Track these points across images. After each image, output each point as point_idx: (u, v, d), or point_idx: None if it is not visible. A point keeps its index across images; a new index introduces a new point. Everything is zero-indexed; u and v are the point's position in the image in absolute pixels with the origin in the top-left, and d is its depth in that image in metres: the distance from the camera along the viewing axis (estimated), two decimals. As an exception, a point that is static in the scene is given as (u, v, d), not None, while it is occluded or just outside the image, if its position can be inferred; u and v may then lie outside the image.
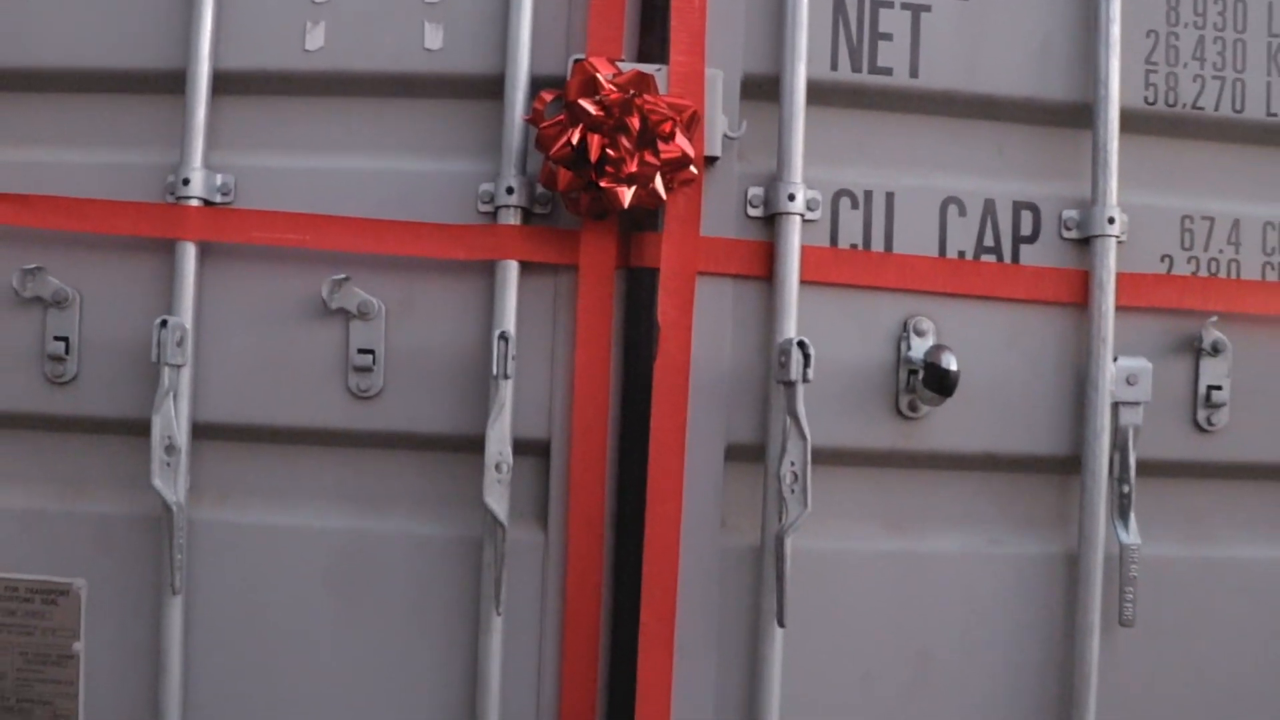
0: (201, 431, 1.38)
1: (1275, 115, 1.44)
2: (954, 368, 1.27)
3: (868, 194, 1.37)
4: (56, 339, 1.39)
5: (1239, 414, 1.42)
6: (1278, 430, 1.43)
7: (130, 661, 1.39)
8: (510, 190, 1.33)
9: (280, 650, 1.37)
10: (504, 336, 1.28)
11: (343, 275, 1.35)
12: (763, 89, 1.35)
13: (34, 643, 1.43)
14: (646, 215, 1.32)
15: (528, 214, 1.34)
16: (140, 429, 1.35)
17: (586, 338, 1.34)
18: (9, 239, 1.39)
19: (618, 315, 1.34)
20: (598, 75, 1.26)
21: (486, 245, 1.34)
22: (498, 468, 1.29)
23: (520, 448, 1.32)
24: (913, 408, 1.36)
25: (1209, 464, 1.42)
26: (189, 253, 1.36)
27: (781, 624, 1.29)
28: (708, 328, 1.34)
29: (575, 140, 1.24)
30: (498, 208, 1.34)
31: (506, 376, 1.29)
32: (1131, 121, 1.39)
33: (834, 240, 1.36)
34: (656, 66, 1.31)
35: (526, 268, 1.34)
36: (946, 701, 1.38)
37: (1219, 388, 1.41)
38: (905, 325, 1.36)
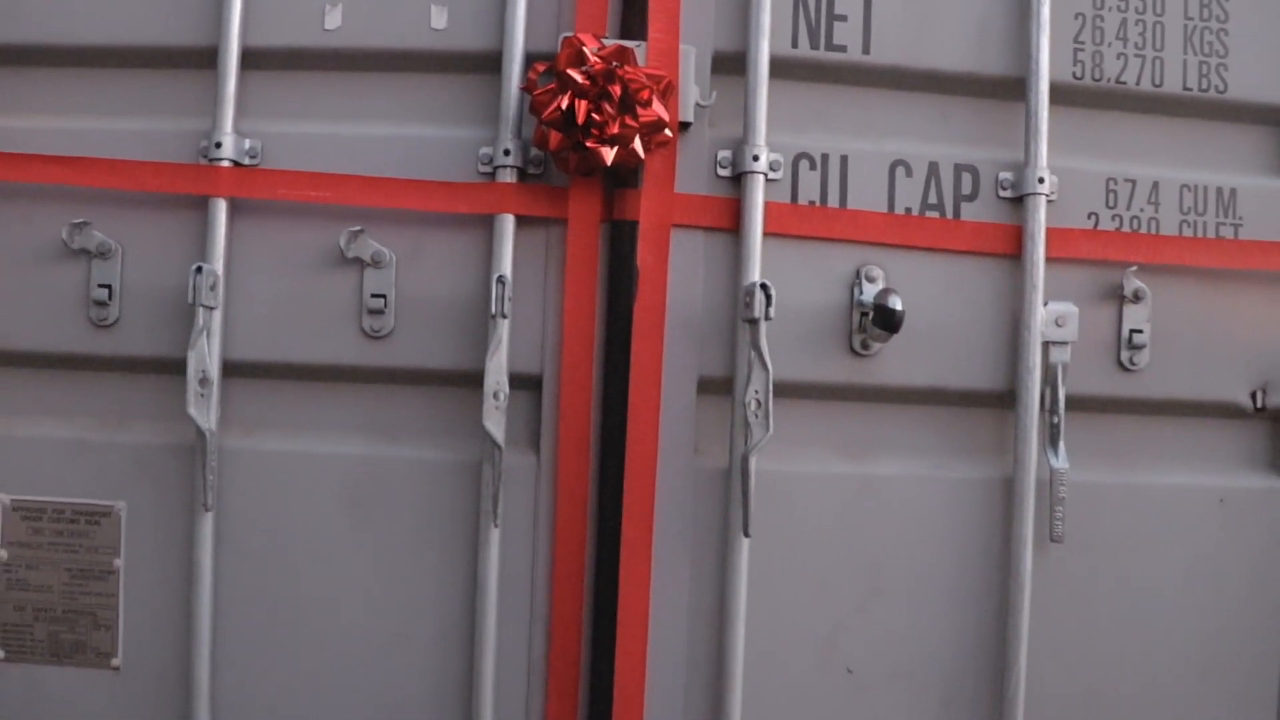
0: (230, 368, 1.55)
1: (1190, 90, 1.63)
2: (899, 308, 1.45)
3: (824, 157, 1.55)
4: (100, 286, 1.57)
5: (1158, 355, 1.60)
6: (1193, 369, 1.62)
7: (165, 575, 1.57)
8: (507, 152, 1.51)
9: (301, 563, 1.55)
10: (501, 280, 1.46)
11: (358, 228, 1.53)
12: (730, 63, 1.53)
13: (78, 560, 1.60)
14: (628, 173, 1.50)
15: (522, 173, 1.52)
16: (175, 367, 1.53)
17: (574, 282, 1.52)
18: (59, 197, 1.56)
19: (602, 263, 1.52)
20: (584, 49, 1.44)
21: (486, 201, 1.52)
22: (495, 396, 1.47)
23: (515, 381, 1.50)
24: (864, 346, 1.54)
25: (1132, 400, 1.60)
26: (221, 208, 1.54)
27: (746, 534, 1.47)
28: (682, 274, 1.52)
29: (564, 105, 1.42)
30: (496, 168, 1.52)
31: (504, 316, 1.47)
32: (1061, 94, 1.58)
33: (794, 197, 1.55)
34: (636, 42, 1.49)
35: (521, 221, 1.52)
36: (897, 608, 1.56)
37: (1140, 331, 1.59)
38: (857, 273, 1.54)
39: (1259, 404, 1.66)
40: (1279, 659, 1.63)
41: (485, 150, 1.53)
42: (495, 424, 1.46)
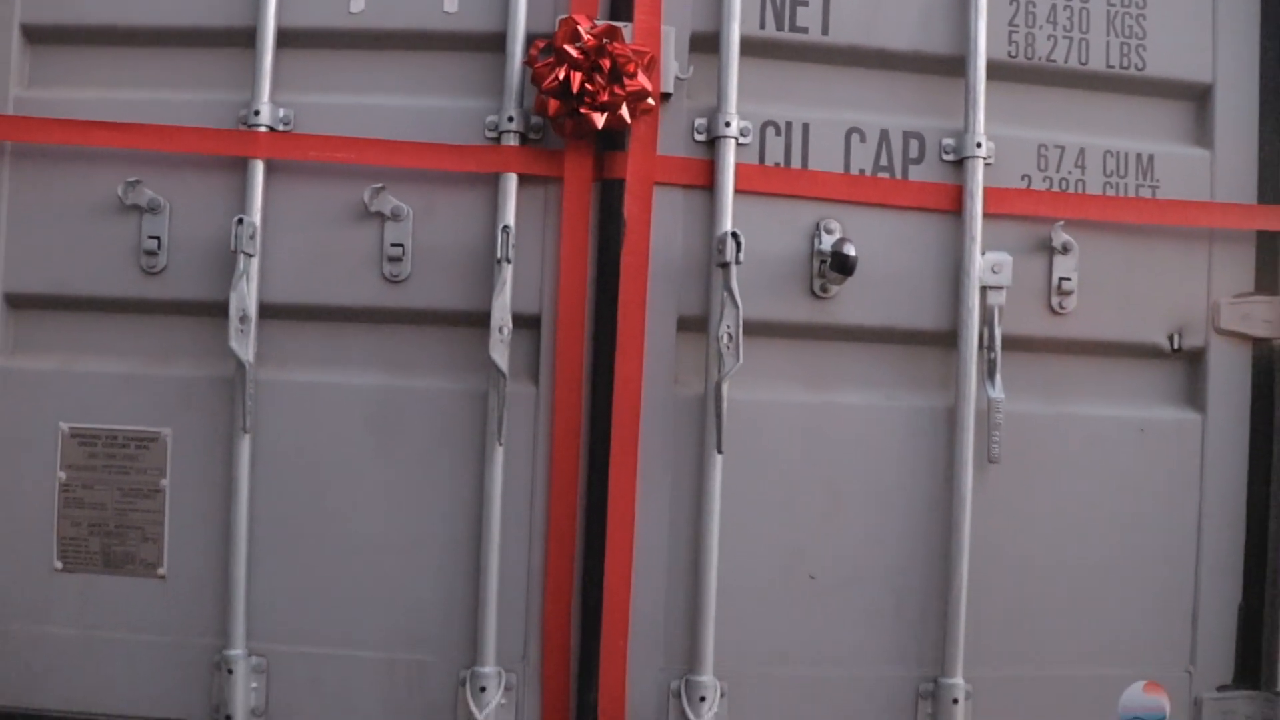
0: (265, 310, 1.78)
1: (1113, 67, 1.86)
2: (853, 254, 1.68)
3: (788, 124, 1.79)
4: (150, 238, 1.79)
5: (1084, 300, 1.83)
6: (1116, 314, 1.85)
7: (206, 493, 1.79)
8: (510, 119, 1.74)
9: (327, 480, 1.78)
10: (506, 229, 1.69)
11: (379, 185, 1.76)
12: (705, 42, 1.77)
13: (129, 480, 1.82)
14: (616, 137, 1.73)
15: (523, 138, 1.76)
16: (215, 309, 1.76)
17: (569, 233, 1.74)
18: (114, 159, 1.79)
19: (593, 216, 1.75)
20: (579, 28, 1.67)
21: (492, 161, 1.75)
22: (500, 331, 1.69)
23: (517, 321, 1.73)
24: (823, 289, 1.77)
25: (1060, 340, 1.83)
26: (259, 168, 1.76)
27: (720, 451, 1.69)
28: (663, 225, 1.75)
29: (561, 76, 1.65)
30: (500, 133, 1.75)
31: (508, 261, 1.69)
32: (997, 70, 1.82)
33: (761, 159, 1.78)
34: (624, 23, 1.72)
35: (523, 179, 1.75)
36: (854, 521, 1.79)
37: (1068, 279, 1.82)
38: (817, 225, 1.77)
39: (1175, 345, 1.89)
40: (1192, 565, 1.86)
41: (491, 118, 1.76)
42: (500, 355, 1.68)
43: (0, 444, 1.81)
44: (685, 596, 1.75)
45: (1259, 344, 1.91)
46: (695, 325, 1.76)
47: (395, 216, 1.77)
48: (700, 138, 1.76)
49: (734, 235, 1.66)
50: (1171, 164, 1.88)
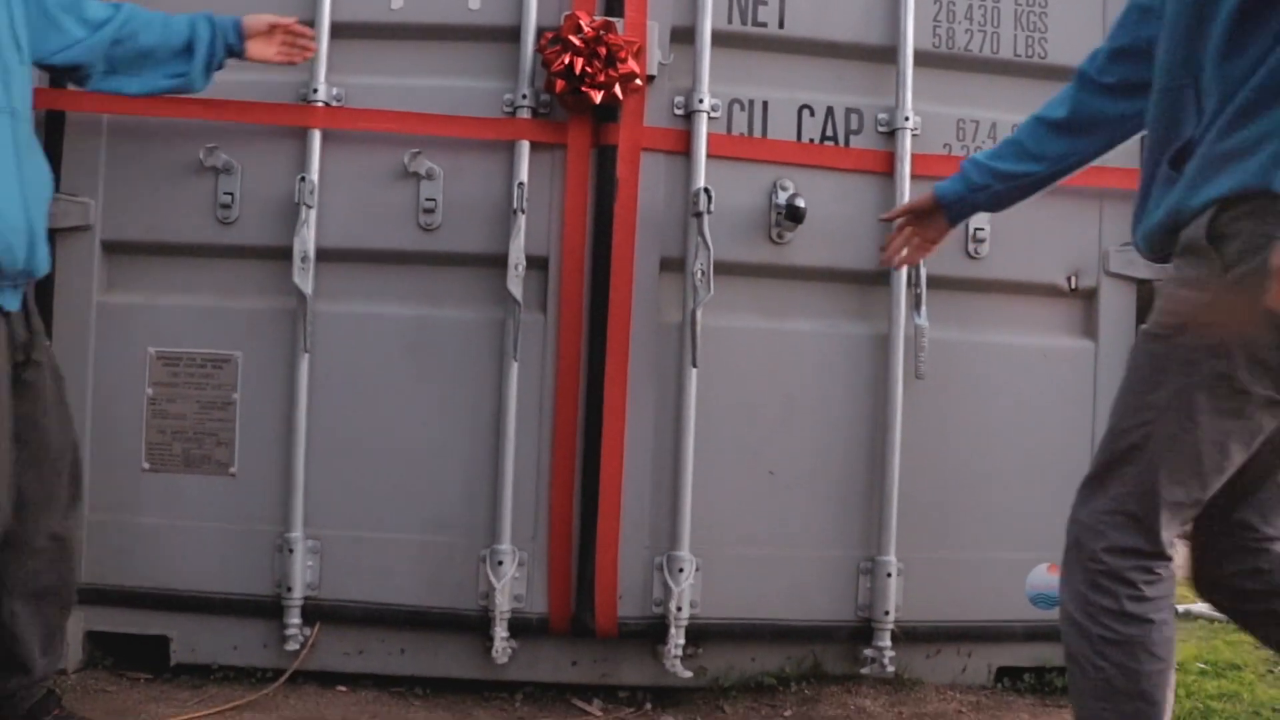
0: (322, 253, 2.19)
1: (1020, 56, 2.29)
2: (803, 206, 2.11)
3: (750, 102, 2.22)
4: (225, 194, 2.21)
5: (996, 247, 2.27)
6: (1023, 259, 2.28)
7: (271, 405, 2.21)
8: (524, 97, 2.17)
9: (372, 395, 2.20)
10: (521, 185, 2.12)
11: (416, 151, 2.18)
12: (683, 35, 2.20)
13: (206, 395, 2.23)
14: (611, 111, 2.15)
15: (534, 112, 2.18)
16: (278, 253, 2.17)
17: (572, 190, 2.18)
18: (196, 130, 2.20)
19: (591, 176, 2.17)
20: (580, 22, 2.09)
21: (508, 131, 2.18)
22: (516, 268, 2.11)
23: (528, 261, 2.14)
24: (780, 236, 2.19)
25: (976, 279, 2.27)
26: (316, 136, 2.18)
27: (694, 366, 2.11)
28: (649, 183, 2.18)
29: (566, 61, 2.07)
30: (515, 108, 2.18)
31: (522, 211, 2.11)
32: (923, 58, 2.25)
33: (729, 130, 2.21)
34: (617, 18, 2.14)
35: (534, 146, 2.18)
36: (804, 428, 2.22)
37: (982, 229, 2.25)
38: (774, 184, 2.20)
39: (1072, 285, 2.32)
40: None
41: (508, 96, 2.19)
42: (516, 287, 2.10)
43: (98, 366, 2.23)
44: (667, 488, 2.18)
45: (1141, 285, 2.36)
46: (674, 265, 2.19)
47: (429, 176, 2.19)
48: (679, 112, 2.20)
49: (706, 191, 2.09)
50: (1068, 136, 2.31)
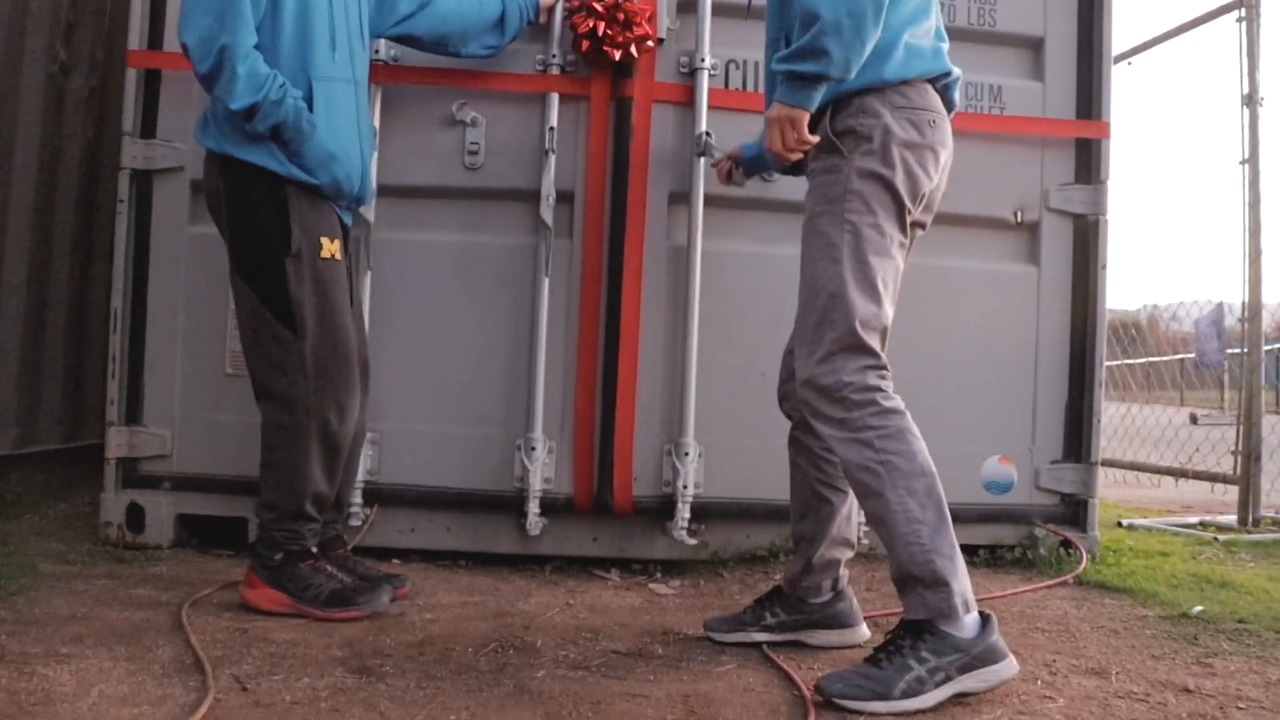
0: (382, 190, 2.64)
1: (972, 24, 2.75)
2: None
3: (744, 61, 2.70)
4: (298, 140, 2.62)
5: (953, 186, 2.55)
6: (975, 196, 2.73)
7: (337, 318, 2.61)
8: (554, 56, 2.64)
9: (426, 308, 2.66)
10: (551, 128, 2.57)
11: (462, 101, 2.61)
12: (689, 5, 2.68)
13: (281, 310, 2.64)
14: (627, 68, 2.60)
15: (563, 69, 2.64)
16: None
17: (594, 135, 2.64)
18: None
19: (611, 124, 2.62)
20: (601, -8, 2.53)
21: (541, 85, 2.65)
22: (547, 199, 2.56)
23: (558, 196, 2.59)
24: (769, 175, 2.62)
25: (938, 213, 2.66)
26: (378, 91, 2.63)
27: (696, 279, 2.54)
28: (659, 128, 2.66)
29: (590, 25, 2.51)
30: (547, 65, 2.64)
31: (552, 151, 2.55)
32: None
33: (726, 85, 2.68)
34: (632, -10, 2.60)
35: (563, 98, 2.64)
36: (789, 335, 2.62)
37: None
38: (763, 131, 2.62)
39: (1018, 220, 2.79)
40: (1032, 374, 2.79)
41: (539, 56, 2.65)
42: (547, 214, 2.56)
43: (188, 288, 2.67)
44: (675, 385, 2.64)
45: (1077, 219, 2.85)
46: (681, 199, 2.66)
47: (473, 123, 2.64)
48: (684, 70, 2.67)
49: (707, 134, 2.54)
50: (1014, 92, 2.81)
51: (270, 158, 2.15)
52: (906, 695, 1.71)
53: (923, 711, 1.70)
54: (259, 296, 2.19)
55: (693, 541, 2.60)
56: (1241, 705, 1.76)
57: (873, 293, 1.87)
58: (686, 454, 2.62)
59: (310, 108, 2.17)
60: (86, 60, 3.65)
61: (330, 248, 2.23)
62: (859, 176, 1.85)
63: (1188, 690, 1.83)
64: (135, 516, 2.76)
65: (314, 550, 2.26)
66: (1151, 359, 9.70)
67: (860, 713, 1.69)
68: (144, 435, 2.73)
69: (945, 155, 1.95)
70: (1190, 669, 1.97)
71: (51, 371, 3.50)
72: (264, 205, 2.18)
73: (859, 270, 1.85)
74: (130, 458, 2.73)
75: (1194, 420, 7.80)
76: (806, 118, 1.84)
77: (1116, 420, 5.62)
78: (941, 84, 1.94)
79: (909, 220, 1.93)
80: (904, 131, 1.85)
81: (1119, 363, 8.17)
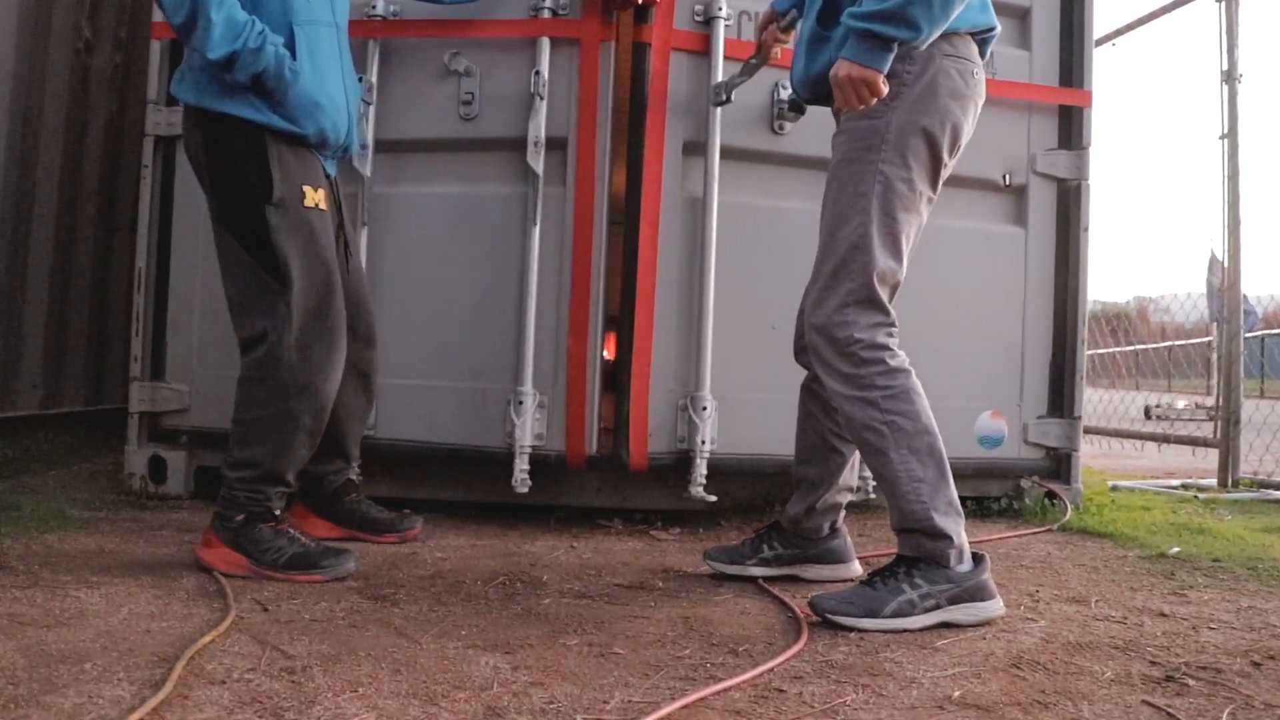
0: (379, 144, 2.73)
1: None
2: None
3: (756, 13, 2.75)
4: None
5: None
6: (967, 159, 2.68)
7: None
8: (545, 0, 2.71)
9: (423, 258, 2.75)
10: (537, 72, 2.67)
11: (456, 51, 2.72)
12: (703, -38, 2.78)
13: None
14: (646, 13, 2.65)
15: (554, 14, 2.72)
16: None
17: (585, 79, 2.71)
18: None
19: (629, 71, 2.66)
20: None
21: (534, 30, 2.72)
22: (535, 144, 2.67)
23: (550, 143, 2.68)
24: (780, 127, 2.78)
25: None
26: (375, 47, 2.72)
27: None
28: (676, 76, 2.73)
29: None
30: (538, 9, 2.71)
31: (540, 96, 2.66)
32: None
33: (739, 35, 2.78)
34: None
35: (554, 42, 2.71)
36: (799, 288, 2.69)
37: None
38: (775, 84, 2.77)
39: (1007, 182, 2.94)
40: (1020, 332, 2.95)
41: (532, 2, 2.71)
42: (535, 160, 2.67)
43: (208, 250, 2.73)
44: (691, 338, 2.72)
45: (1061, 182, 3.02)
46: (696, 149, 2.74)
47: (467, 73, 2.75)
48: (699, 19, 2.76)
49: (724, 83, 2.64)
50: (1003, 59, 2.97)
51: (248, 106, 2.13)
52: (897, 615, 1.84)
53: (910, 631, 1.83)
54: (243, 246, 2.18)
55: (712, 497, 2.68)
56: (1214, 626, 1.93)
57: (894, 248, 1.95)
58: (704, 407, 2.70)
59: (292, 54, 2.15)
60: (110, 38, 3.84)
61: (314, 196, 2.23)
62: (899, 128, 1.92)
63: (1163, 614, 2.00)
64: (157, 468, 2.94)
65: (277, 513, 2.23)
66: (1137, 346, 9.95)
67: (851, 629, 1.82)
68: (165, 391, 2.91)
69: (979, 108, 2.04)
70: (1166, 598, 2.13)
71: (76, 337, 3.79)
72: (244, 155, 2.17)
73: (885, 225, 1.93)
74: (153, 412, 2.90)
75: (1147, 415, 7.58)
76: (881, 78, 1.85)
77: (1105, 405, 5.84)
78: (980, 38, 2.03)
79: (942, 175, 2.01)
80: (950, 81, 1.93)
81: (1109, 350, 8.34)
